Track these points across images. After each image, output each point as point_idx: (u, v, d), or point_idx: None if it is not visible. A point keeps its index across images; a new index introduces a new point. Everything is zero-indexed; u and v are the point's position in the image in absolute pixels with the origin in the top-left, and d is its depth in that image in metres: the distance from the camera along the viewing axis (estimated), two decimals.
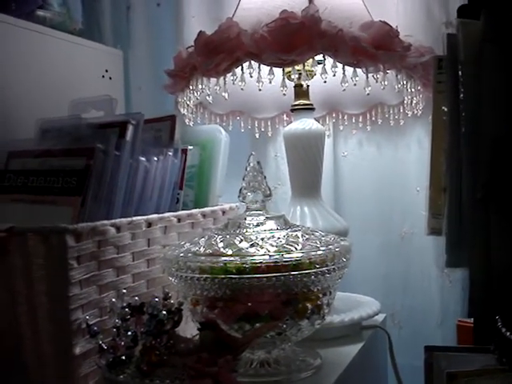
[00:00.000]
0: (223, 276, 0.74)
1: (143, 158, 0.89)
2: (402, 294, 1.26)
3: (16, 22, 1.12)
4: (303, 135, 1.03)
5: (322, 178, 1.07)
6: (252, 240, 0.77)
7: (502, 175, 0.64)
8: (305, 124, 1.04)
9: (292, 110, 1.07)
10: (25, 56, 1.13)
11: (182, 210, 0.96)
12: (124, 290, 0.77)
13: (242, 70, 0.89)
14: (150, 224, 0.86)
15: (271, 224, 0.83)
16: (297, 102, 1.06)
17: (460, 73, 0.68)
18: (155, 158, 0.91)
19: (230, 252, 0.76)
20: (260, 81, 0.87)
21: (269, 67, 0.87)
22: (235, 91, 1.00)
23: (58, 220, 0.75)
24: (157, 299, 0.75)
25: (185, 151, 0.99)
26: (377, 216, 1.28)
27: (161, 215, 0.89)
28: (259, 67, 0.87)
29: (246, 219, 0.83)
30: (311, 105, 1.06)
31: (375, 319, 1.06)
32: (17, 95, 1.10)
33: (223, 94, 0.92)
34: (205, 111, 1.16)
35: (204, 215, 1.00)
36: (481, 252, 0.66)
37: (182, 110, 1.06)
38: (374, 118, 1.17)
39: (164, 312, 0.72)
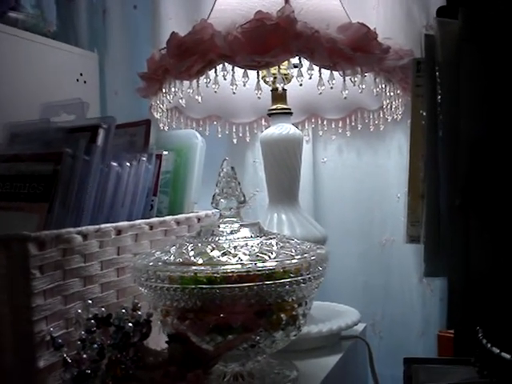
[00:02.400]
0: (193, 286, 0.71)
1: (115, 164, 0.87)
2: (382, 303, 1.24)
3: None
4: (280, 140, 1.01)
5: (299, 184, 1.05)
6: (224, 248, 0.75)
7: (481, 180, 0.62)
8: (282, 129, 1.02)
9: (269, 115, 1.05)
10: None
11: (156, 216, 0.94)
12: (90, 301, 0.74)
13: (215, 72, 0.86)
14: (119, 231, 0.84)
15: (245, 232, 0.80)
16: (274, 107, 1.04)
17: (437, 74, 0.66)
18: (128, 164, 0.89)
19: (200, 261, 0.73)
20: (234, 84, 0.85)
21: (243, 70, 0.84)
22: (211, 95, 0.97)
23: (25, 227, 0.72)
24: (124, 310, 0.72)
25: (159, 156, 0.97)
26: (357, 223, 1.26)
27: (131, 222, 0.86)
28: (233, 70, 0.85)
29: (219, 227, 0.81)
30: (289, 109, 1.04)
31: (355, 329, 1.03)
32: None
33: (196, 97, 0.89)
34: (180, 116, 1.13)
35: (178, 222, 0.97)
36: (460, 260, 0.64)
37: (155, 114, 1.03)
38: (353, 124, 1.16)
39: (130, 324, 0.69)
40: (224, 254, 0.74)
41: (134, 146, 0.99)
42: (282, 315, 0.75)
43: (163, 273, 0.73)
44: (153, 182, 0.95)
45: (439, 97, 0.66)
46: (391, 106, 1.02)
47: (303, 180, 1.18)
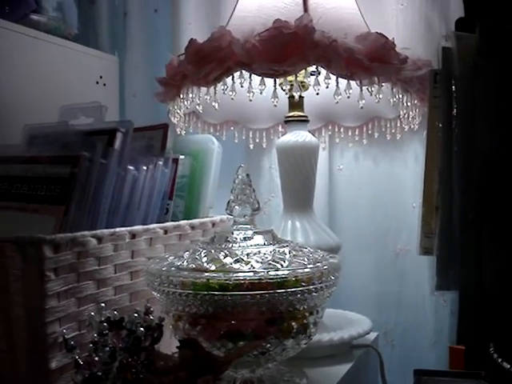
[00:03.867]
0: (205, 292, 0.71)
1: (131, 167, 0.87)
2: (395, 313, 1.24)
3: (9, 25, 1.11)
4: (296, 147, 1.01)
5: (314, 191, 1.05)
6: (237, 255, 0.75)
7: (494, 196, 0.62)
8: (298, 136, 1.02)
9: (286, 122, 1.05)
10: (18, 60, 1.12)
11: (172, 220, 0.94)
12: (103, 304, 0.74)
13: (232, 79, 0.86)
14: (134, 235, 0.84)
15: (259, 239, 0.80)
16: (291, 114, 1.04)
17: (454, 88, 0.66)
18: (144, 167, 0.89)
19: (213, 267, 0.73)
20: (251, 91, 0.85)
21: (260, 77, 0.84)
22: (229, 101, 0.97)
23: (41, 230, 0.73)
24: (136, 314, 0.72)
25: (176, 161, 0.97)
26: (371, 232, 1.25)
27: (146, 226, 0.86)
28: (250, 77, 0.85)
29: (233, 233, 0.81)
30: (305, 117, 1.04)
31: (367, 338, 1.03)
32: (9, 100, 1.10)
33: (213, 103, 0.89)
34: (198, 120, 1.14)
35: (193, 227, 0.98)
36: (471, 275, 0.64)
37: (172, 119, 1.04)
38: (370, 132, 1.15)
39: (142, 328, 0.69)
40: (237, 261, 0.74)
41: (151, 149, 0.99)
42: (293, 323, 0.75)
43: (176, 278, 0.73)
44: (169, 186, 0.95)
45: (455, 110, 0.66)
46: (408, 116, 1.01)
47: (319, 187, 1.18)
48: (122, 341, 0.71)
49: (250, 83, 0.85)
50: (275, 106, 0.87)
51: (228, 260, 0.74)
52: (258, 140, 1.22)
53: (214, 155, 1.03)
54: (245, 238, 0.80)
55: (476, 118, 0.63)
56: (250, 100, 0.87)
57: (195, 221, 0.98)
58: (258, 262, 0.74)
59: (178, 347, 0.69)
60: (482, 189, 0.63)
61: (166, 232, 0.91)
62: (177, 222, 0.94)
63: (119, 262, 0.81)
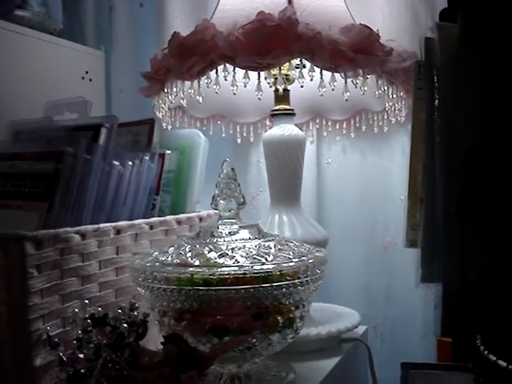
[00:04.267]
0: (190, 288, 0.71)
1: (117, 163, 0.87)
2: (384, 306, 1.24)
3: None
4: (282, 141, 1.00)
5: (301, 185, 1.04)
6: (222, 250, 0.74)
7: (477, 188, 0.61)
8: (284, 130, 1.01)
9: (272, 115, 1.04)
10: (2, 57, 1.10)
11: (159, 216, 0.94)
12: (86, 301, 0.74)
13: (216, 73, 0.86)
14: (118, 231, 0.84)
15: (244, 233, 0.80)
16: (277, 107, 1.03)
17: (436, 78, 0.65)
18: (130, 163, 0.89)
19: (197, 262, 0.73)
20: (235, 85, 0.85)
21: (244, 70, 0.84)
22: (216, 95, 0.96)
23: (24, 226, 0.73)
24: (120, 310, 0.72)
25: (162, 156, 0.97)
26: (360, 225, 1.25)
27: (131, 222, 0.86)
28: (234, 70, 0.84)
29: (218, 228, 0.80)
30: (292, 110, 1.03)
31: (356, 332, 1.03)
32: None
33: (197, 97, 0.88)
34: (184, 115, 1.13)
35: (179, 222, 0.97)
36: (455, 267, 0.63)
37: (158, 113, 1.03)
38: (357, 125, 1.15)
39: (125, 325, 0.69)
40: (221, 256, 0.73)
41: (137, 144, 0.99)
42: (279, 318, 0.75)
43: (160, 274, 0.73)
44: (155, 181, 0.95)
45: (436, 102, 0.65)
46: (394, 108, 1.01)
47: (307, 180, 1.20)
48: (106, 337, 0.70)
49: (233, 76, 0.84)
50: (259, 99, 0.87)
51: (212, 255, 0.74)
52: (245, 134, 1.22)
53: (200, 150, 1.03)
54: (230, 233, 0.80)
55: (458, 109, 0.63)
56: (234, 93, 0.86)
57: (182, 216, 0.98)
58: (242, 256, 0.73)
59: (162, 343, 0.69)
60: (465, 181, 0.63)
61: (151, 227, 0.90)
62: (163, 218, 0.93)
63: (104, 258, 0.81)
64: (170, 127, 1.10)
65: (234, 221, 0.82)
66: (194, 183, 1.03)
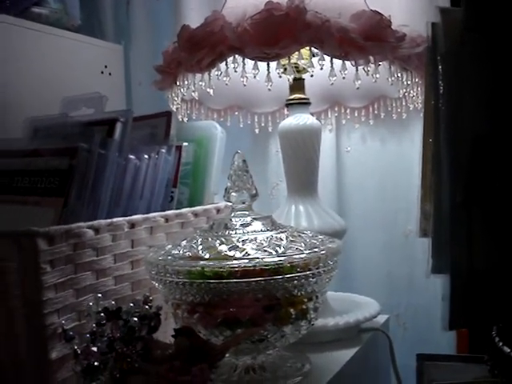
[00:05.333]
0: (201, 280, 0.71)
1: (133, 156, 0.87)
2: (406, 295, 1.22)
3: (11, 20, 1.11)
4: (297, 131, 0.99)
5: (318, 175, 1.03)
6: (233, 242, 0.74)
7: (484, 177, 0.59)
8: (299, 119, 1.00)
9: (287, 105, 1.03)
10: (21, 54, 1.12)
11: (177, 208, 0.94)
12: (100, 294, 0.75)
13: (226, 64, 0.85)
14: (133, 225, 0.84)
15: (257, 225, 0.80)
16: (291, 97, 1.02)
17: (440, 65, 0.63)
18: (146, 156, 0.89)
19: (207, 255, 0.73)
20: (244, 76, 0.84)
21: (253, 61, 0.83)
22: (232, 86, 0.95)
23: (42, 222, 0.73)
24: (132, 304, 0.73)
25: (179, 148, 0.97)
26: (380, 213, 1.24)
27: (145, 215, 0.86)
28: (243, 62, 0.84)
29: (231, 220, 0.80)
30: (307, 99, 1.02)
31: (376, 321, 1.02)
32: (13, 94, 1.10)
33: (208, 90, 0.88)
34: (201, 107, 1.13)
35: (196, 214, 0.97)
36: (462, 258, 0.62)
37: (172, 106, 1.03)
38: (376, 112, 1.13)
39: (135, 319, 0.70)
40: (232, 249, 0.73)
41: (155, 138, 0.99)
42: (291, 310, 0.74)
43: (172, 267, 0.73)
44: (173, 174, 0.95)
45: (441, 89, 0.63)
46: (410, 95, 0.99)
47: (326, 169, 1.20)
48: (119, 331, 0.71)
49: (243, 68, 0.84)
50: (269, 90, 0.86)
51: (223, 247, 0.74)
52: (263, 124, 1.21)
53: (217, 141, 1.03)
54: (243, 225, 0.79)
55: (463, 95, 0.61)
56: (244, 85, 0.85)
57: (198, 208, 0.98)
58: (253, 248, 0.73)
59: (173, 336, 0.69)
60: (471, 169, 0.61)
61: (167, 220, 0.91)
62: (178, 210, 0.93)
63: (119, 251, 0.82)
64: (186, 119, 1.09)
65: (247, 213, 0.81)
66: (211, 175, 1.03)
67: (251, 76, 0.85)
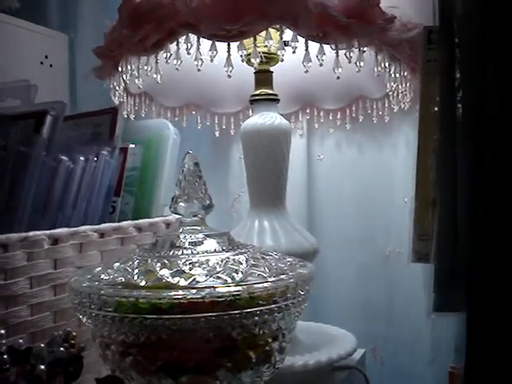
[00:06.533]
0: (134, 315, 0.56)
1: (65, 158, 0.78)
2: (385, 325, 1.11)
3: None
4: (263, 131, 0.87)
5: (286, 185, 0.91)
6: (178, 266, 0.59)
7: None
8: (266, 118, 0.87)
9: (251, 102, 0.91)
10: None
11: (119, 221, 0.83)
12: (2, 331, 0.58)
13: (177, 44, 0.71)
14: (56, 240, 0.70)
15: (211, 244, 0.65)
16: (257, 92, 0.89)
17: (456, 31, 0.48)
18: (82, 158, 0.80)
19: (143, 283, 0.57)
20: (198, 59, 0.69)
21: (210, 41, 0.69)
22: (189, 80, 0.88)
23: None
24: (42, 345, 0.57)
25: (124, 150, 0.88)
26: (357, 231, 1.14)
27: (72, 229, 0.73)
28: (198, 41, 0.69)
29: (179, 237, 0.65)
30: (275, 95, 0.89)
31: (351, 358, 0.89)
32: None
33: (155, 75, 0.73)
34: (151, 103, 1.00)
35: (139, 228, 0.84)
36: (487, 295, 0.46)
37: (114, 99, 0.89)
38: (354, 115, 1.03)
39: (42, 366, 0.54)
40: (176, 274, 0.58)
41: (98, 137, 0.91)
42: (251, 352, 0.59)
43: (98, 296, 0.58)
44: (115, 180, 0.85)
45: (457, 73, 0.49)
46: (397, 92, 0.89)
47: (296, 180, 1.11)
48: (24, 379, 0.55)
49: (197, 48, 0.69)
50: (229, 76, 0.71)
51: (165, 272, 0.59)
52: (224, 126, 1.10)
53: (169, 143, 0.93)
54: (192, 243, 0.64)
55: (487, 76, 0.46)
56: (199, 70, 0.70)
57: (142, 221, 0.85)
58: (203, 274, 0.58)
59: None
60: (497, 177, 0.46)
61: (102, 235, 0.77)
62: (116, 224, 0.81)
63: (36, 273, 0.68)
64: (133, 117, 0.97)
65: (198, 228, 0.67)
66: (161, 182, 0.92)
67: (207, 59, 0.70)
